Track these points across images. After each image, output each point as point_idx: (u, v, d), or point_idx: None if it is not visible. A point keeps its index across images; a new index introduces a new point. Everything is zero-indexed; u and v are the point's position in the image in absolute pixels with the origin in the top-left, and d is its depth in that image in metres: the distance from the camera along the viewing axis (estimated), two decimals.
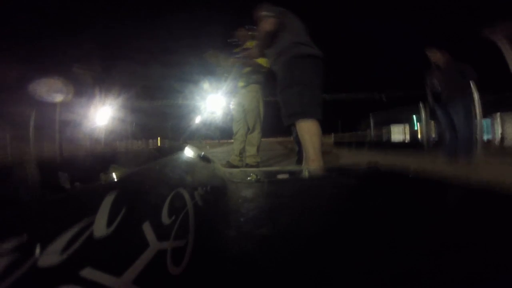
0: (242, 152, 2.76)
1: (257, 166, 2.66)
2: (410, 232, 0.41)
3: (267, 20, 1.71)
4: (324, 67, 1.80)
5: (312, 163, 1.63)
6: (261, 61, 2.54)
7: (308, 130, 1.67)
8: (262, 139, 2.80)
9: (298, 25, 1.80)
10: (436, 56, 3.05)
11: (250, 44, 2.59)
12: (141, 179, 0.36)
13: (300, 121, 1.69)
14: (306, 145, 1.68)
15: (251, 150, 2.73)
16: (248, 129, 2.73)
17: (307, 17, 1.84)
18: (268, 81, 2.69)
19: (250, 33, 2.66)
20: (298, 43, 1.75)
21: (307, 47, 1.76)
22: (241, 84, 2.67)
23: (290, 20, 1.78)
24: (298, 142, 2.39)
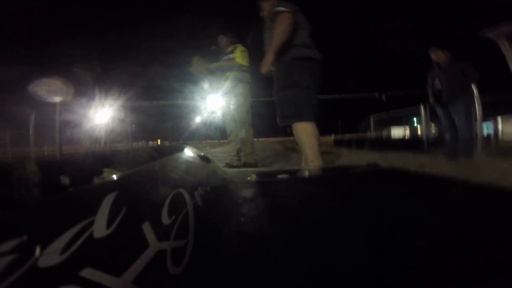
0: (240, 152, 2.79)
1: (255, 164, 2.68)
2: (410, 232, 0.41)
3: (286, 15, 1.68)
4: (322, 70, 1.80)
5: (312, 163, 1.63)
6: (242, 60, 2.70)
7: (304, 132, 1.68)
8: (262, 139, 2.83)
9: (303, 26, 1.79)
10: (438, 56, 3.05)
11: (230, 48, 2.79)
12: (141, 179, 0.36)
13: (296, 123, 1.70)
14: (304, 146, 1.68)
15: (246, 149, 2.74)
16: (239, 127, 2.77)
17: (308, 15, 1.81)
18: (256, 79, 2.79)
19: (231, 39, 2.86)
20: (298, 44, 1.74)
21: (307, 49, 1.76)
22: (228, 85, 2.75)
23: (299, 21, 1.77)
24: None
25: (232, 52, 2.78)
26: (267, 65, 1.75)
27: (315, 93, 1.77)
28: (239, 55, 2.73)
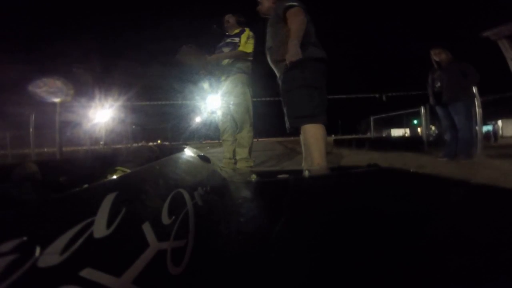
0: (235, 154, 2.48)
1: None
2: (410, 232, 0.41)
3: (299, 8, 1.64)
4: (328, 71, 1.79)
5: (317, 166, 1.61)
6: (246, 48, 2.43)
7: (314, 134, 1.65)
8: (262, 139, 2.72)
9: (310, 25, 1.77)
10: (439, 56, 3.05)
11: (237, 31, 2.51)
12: (141, 179, 0.36)
13: (308, 124, 1.66)
14: (312, 148, 1.65)
15: (242, 153, 2.38)
16: (237, 127, 2.43)
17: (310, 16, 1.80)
18: (255, 79, 2.55)
19: (239, 19, 2.58)
20: (309, 43, 1.71)
21: (319, 49, 1.74)
22: (223, 78, 2.48)
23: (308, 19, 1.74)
24: None
25: (237, 36, 2.46)
26: (296, 52, 1.64)
27: (325, 95, 1.75)
28: (244, 42, 2.41)
